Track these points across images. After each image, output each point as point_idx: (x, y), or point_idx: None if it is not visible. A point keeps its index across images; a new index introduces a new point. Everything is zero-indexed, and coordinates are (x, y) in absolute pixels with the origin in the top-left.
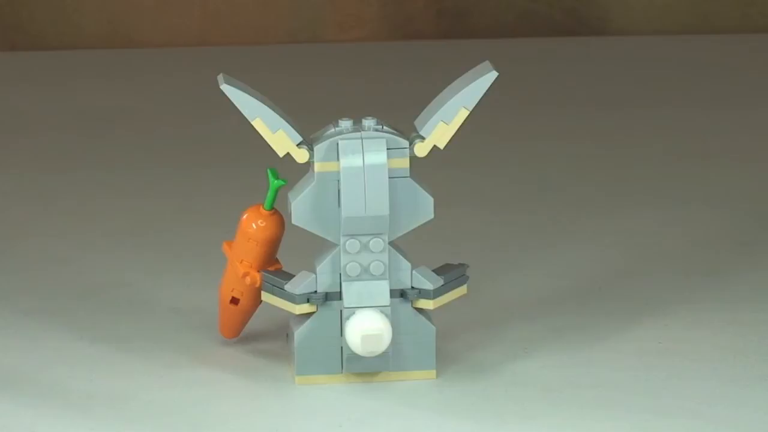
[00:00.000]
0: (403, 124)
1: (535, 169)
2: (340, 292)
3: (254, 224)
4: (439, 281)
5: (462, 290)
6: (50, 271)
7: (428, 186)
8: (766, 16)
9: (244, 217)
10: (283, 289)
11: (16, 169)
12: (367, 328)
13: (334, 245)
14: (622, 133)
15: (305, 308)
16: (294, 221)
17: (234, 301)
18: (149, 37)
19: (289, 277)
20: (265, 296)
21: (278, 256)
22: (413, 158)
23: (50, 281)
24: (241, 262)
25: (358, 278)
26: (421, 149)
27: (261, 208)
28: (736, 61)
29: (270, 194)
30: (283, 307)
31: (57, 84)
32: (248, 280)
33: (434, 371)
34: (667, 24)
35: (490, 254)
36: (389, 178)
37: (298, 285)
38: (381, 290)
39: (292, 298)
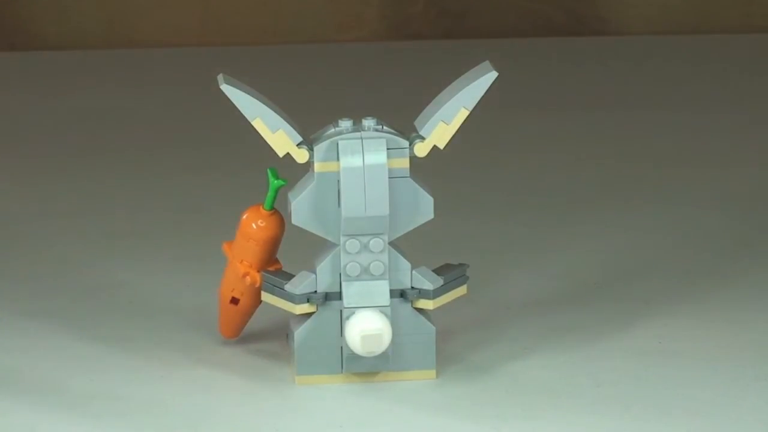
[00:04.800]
0: (403, 124)
1: (534, 169)
2: (340, 292)
3: (254, 224)
4: (439, 281)
5: (462, 290)
6: (50, 272)
7: (428, 186)
8: (766, 16)
9: (244, 217)
10: (283, 289)
11: (16, 169)
12: (366, 328)
13: (334, 245)
14: (622, 133)
15: (305, 308)
16: (294, 221)
17: (234, 301)
18: (149, 37)
19: (289, 277)
20: (265, 296)
21: (278, 256)
22: (413, 158)
23: (50, 281)
24: (241, 262)
25: (358, 278)
26: (421, 149)
27: (261, 208)
28: (736, 61)
29: (270, 194)
30: (283, 307)
31: (57, 84)
32: (248, 280)
33: (434, 371)
34: (667, 24)
35: (489, 254)
36: (389, 178)
37: (298, 285)
38: (381, 290)
39: (292, 298)
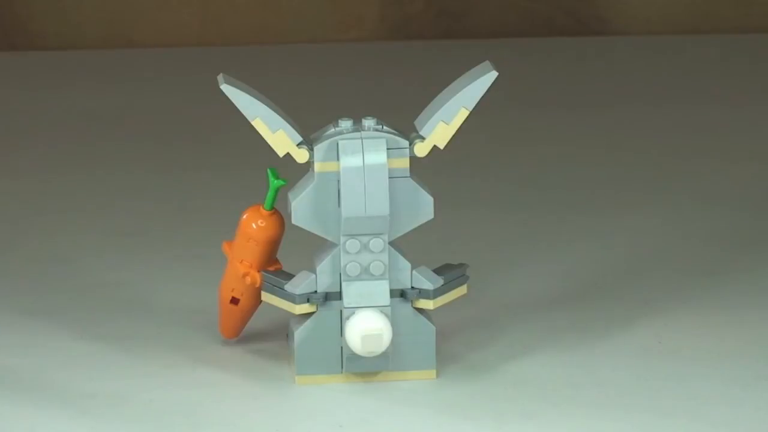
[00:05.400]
0: (403, 124)
1: (534, 169)
2: (340, 292)
3: (254, 224)
4: (439, 281)
5: (462, 290)
6: (50, 271)
7: (428, 186)
8: (766, 16)
9: (244, 217)
10: (283, 289)
11: (16, 168)
12: (366, 328)
13: (334, 245)
14: (621, 133)
15: (305, 308)
16: (294, 221)
17: (234, 301)
18: (149, 37)
19: (289, 277)
20: (265, 296)
21: (278, 256)
22: (413, 158)
23: (50, 281)
24: (241, 262)
25: (358, 278)
26: (421, 149)
27: (261, 208)
28: (736, 61)
29: (270, 194)
30: (283, 307)
31: (57, 84)
32: (248, 280)
33: (434, 371)
34: (667, 24)
35: (490, 254)
36: (389, 178)
37: (298, 285)
38: (381, 290)
39: (292, 298)
